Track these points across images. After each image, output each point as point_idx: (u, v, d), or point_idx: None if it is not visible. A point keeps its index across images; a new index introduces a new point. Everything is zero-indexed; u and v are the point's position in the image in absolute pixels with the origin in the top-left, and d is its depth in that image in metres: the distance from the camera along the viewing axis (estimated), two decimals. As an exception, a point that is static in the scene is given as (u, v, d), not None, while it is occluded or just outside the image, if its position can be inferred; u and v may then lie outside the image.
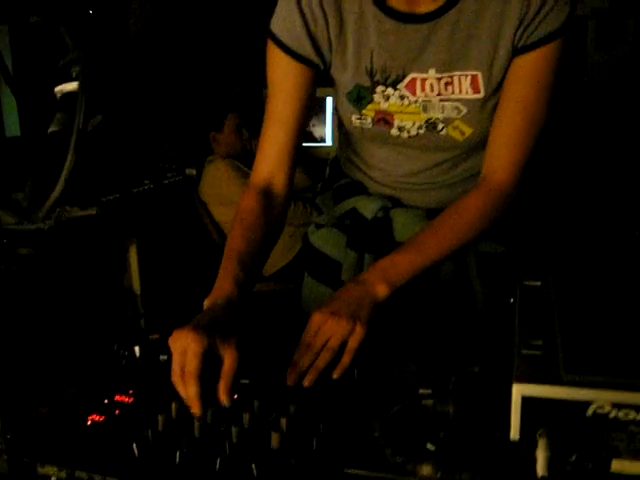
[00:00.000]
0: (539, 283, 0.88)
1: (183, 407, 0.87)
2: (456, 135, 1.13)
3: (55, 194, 1.21)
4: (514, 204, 1.11)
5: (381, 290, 0.99)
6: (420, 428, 0.78)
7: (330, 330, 0.94)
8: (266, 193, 1.14)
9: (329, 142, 3.35)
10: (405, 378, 0.91)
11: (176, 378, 0.86)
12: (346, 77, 1.13)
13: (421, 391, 0.86)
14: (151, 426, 0.82)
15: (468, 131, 1.12)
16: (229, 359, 0.87)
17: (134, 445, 0.79)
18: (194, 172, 2.98)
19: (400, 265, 1.02)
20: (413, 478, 0.69)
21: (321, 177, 1.51)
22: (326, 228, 1.33)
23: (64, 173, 1.18)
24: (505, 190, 1.08)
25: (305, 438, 0.78)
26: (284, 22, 1.09)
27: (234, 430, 0.80)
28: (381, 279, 1.00)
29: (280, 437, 0.78)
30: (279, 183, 1.15)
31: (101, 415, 0.88)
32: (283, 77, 1.12)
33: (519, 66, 1.04)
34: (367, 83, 1.12)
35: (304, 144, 1.21)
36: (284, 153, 1.14)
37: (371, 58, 1.09)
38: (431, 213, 1.21)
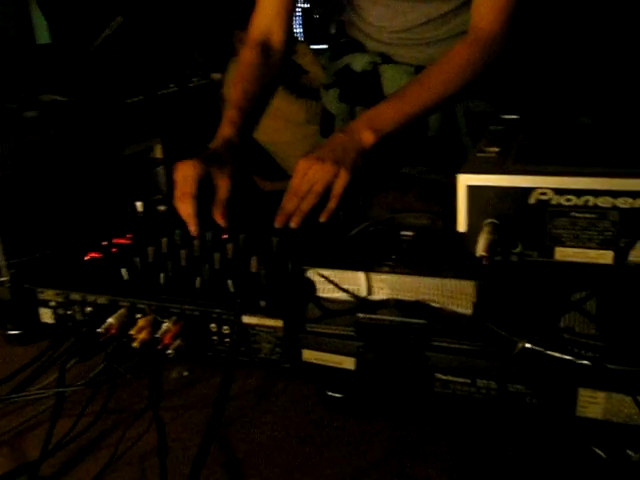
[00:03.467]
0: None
1: (173, 243, 0.92)
2: None
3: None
4: (504, 62, 1.10)
5: (367, 137, 1.00)
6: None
7: (315, 175, 0.96)
8: (263, 47, 1.19)
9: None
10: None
11: (177, 201, 0.94)
12: None
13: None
14: (141, 256, 0.87)
15: None
16: (223, 187, 0.96)
17: (123, 270, 0.84)
18: (219, 76, 2.98)
19: (386, 113, 1.03)
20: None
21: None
22: (333, 89, 1.36)
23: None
24: (492, 39, 1.07)
25: (282, 265, 0.82)
26: None
27: (216, 256, 0.84)
28: (367, 126, 1.01)
29: (257, 261, 0.82)
30: (277, 36, 1.21)
31: (99, 253, 0.94)
32: None
33: None
34: None
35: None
36: (281, 7, 1.20)
37: None
38: (421, 70, 1.18)
